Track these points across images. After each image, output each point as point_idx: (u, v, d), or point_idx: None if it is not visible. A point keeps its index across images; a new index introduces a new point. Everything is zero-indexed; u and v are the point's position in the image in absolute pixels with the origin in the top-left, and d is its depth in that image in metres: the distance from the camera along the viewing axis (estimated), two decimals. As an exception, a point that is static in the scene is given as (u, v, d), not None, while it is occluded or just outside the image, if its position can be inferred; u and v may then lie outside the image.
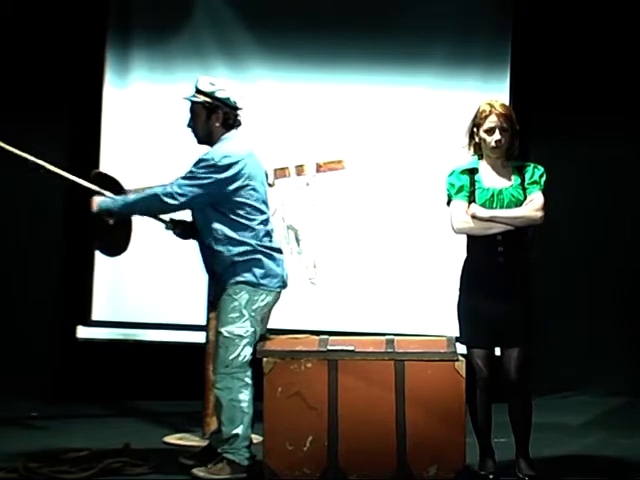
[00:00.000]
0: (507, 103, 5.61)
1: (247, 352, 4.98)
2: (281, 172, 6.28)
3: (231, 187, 4.99)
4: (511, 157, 5.03)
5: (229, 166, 4.98)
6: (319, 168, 6.42)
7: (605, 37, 7.25)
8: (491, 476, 4.98)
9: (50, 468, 4.98)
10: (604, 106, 7.23)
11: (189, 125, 5.16)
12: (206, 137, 5.12)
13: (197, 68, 7.14)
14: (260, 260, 5.02)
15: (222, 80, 5.30)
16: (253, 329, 5.00)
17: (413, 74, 7.15)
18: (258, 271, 5.01)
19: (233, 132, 5.12)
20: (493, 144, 4.95)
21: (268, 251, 5.05)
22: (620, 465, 5.36)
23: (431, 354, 4.88)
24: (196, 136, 5.17)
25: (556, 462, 5.37)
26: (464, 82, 7.08)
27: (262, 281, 5.01)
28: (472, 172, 5.03)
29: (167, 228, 5.31)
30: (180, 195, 4.98)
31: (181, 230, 5.31)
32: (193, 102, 5.10)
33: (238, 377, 4.96)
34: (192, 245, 6.17)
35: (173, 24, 7.21)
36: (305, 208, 6.44)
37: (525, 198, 4.95)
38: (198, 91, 5.08)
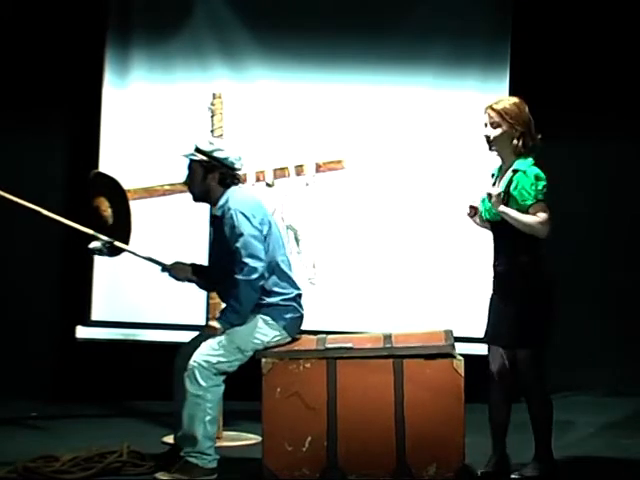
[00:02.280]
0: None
1: (234, 365, 4.97)
2: (280, 172, 6.26)
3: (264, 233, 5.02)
4: (516, 155, 4.98)
5: (253, 214, 5.00)
6: (319, 168, 6.40)
7: (605, 37, 7.26)
8: (490, 475, 4.97)
9: (50, 468, 4.98)
10: (604, 106, 7.24)
11: (186, 182, 5.19)
12: (202, 195, 5.15)
13: (197, 68, 7.15)
14: (293, 308, 5.07)
15: (221, 140, 5.33)
16: (251, 354, 4.99)
17: (413, 74, 7.15)
18: (289, 315, 5.04)
19: (234, 187, 5.12)
20: (485, 138, 4.97)
21: (299, 299, 5.11)
22: (620, 465, 5.36)
23: (430, 348, 4.89)
24: (192, 193, 5.20)
25: (556, 462, 5.35)
26: (464, 82, 7.09)
27: (288, 327, 5.03)
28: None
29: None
30: (253, 259, 4.91)
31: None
32: (191, 160, 5.11)
33: (211, 378, 4.91)
34: (192, 245, 6.18)
35: (173, 24, 7.20)
36: (304, 208, 6.43)
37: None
38: (197, 150, 5.10)
